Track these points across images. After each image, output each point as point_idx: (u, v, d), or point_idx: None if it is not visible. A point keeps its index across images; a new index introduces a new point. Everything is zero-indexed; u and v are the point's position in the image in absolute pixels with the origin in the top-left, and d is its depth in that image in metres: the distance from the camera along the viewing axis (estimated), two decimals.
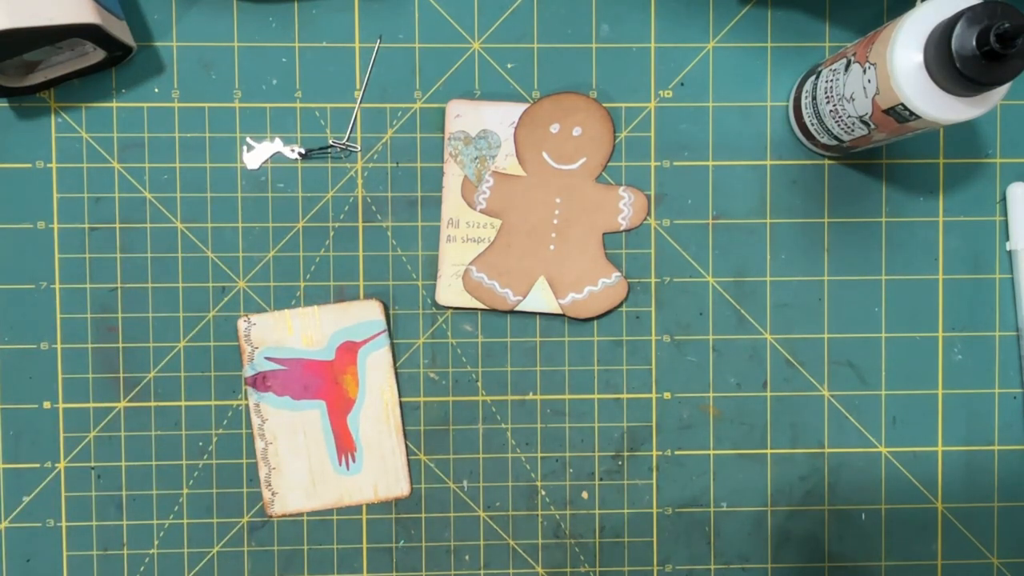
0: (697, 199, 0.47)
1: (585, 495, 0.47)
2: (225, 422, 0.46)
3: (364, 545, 0.46)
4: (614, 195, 0.46)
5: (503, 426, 0.47)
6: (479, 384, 0.47)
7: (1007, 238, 0.47)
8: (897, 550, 0.47)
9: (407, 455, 0.46)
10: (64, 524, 0.46)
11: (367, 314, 0.46)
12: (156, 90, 0.46)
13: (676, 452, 0.47)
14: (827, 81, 0.42)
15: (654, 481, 0.47)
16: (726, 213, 0.47)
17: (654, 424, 0.47)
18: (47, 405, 0.46)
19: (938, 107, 0.36)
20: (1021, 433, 0.47)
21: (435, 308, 0.46)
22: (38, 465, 0.46)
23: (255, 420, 0.45)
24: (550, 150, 0.46)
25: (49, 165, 0.45)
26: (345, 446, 0.46)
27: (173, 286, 0.46)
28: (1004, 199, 0.47)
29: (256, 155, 0.46)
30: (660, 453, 0.47)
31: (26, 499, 0.46)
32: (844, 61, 0.41)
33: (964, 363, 0.47)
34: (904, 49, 0.36)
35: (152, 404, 0.46)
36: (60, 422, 0.46)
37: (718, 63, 0.47)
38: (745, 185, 0.47)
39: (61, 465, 0.46)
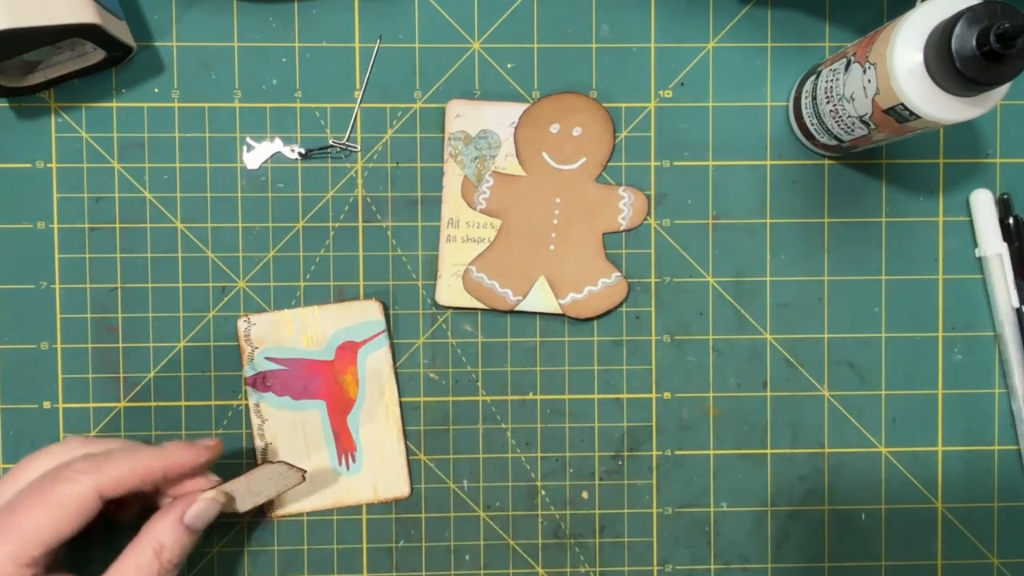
0: (697, 199, 0.47)
1: (585, 495, 0.47)
2: (225, 422, 0.46)
3: (364, 545, 0.46)
4: (614, 195, 0.46)
5: (503, 426, 0.47)
6: (479, 384, 0.47)
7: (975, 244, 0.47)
8: (897, 550, 0.47)
9: (407, 455, 0.46)
10: None
11: (367, 314, 0.46)
12: (156, 90, 0.46)
13: (676, 452, 0.47)
14: (827, 81, 0.42)
15: (654, 481, 0.47)
16: (726, 213, 0.47)
17: (654, 424, 0.47)
18: (47, 405, 0.46)
19: (938, 107, 0.36)
20: (1014, 433, 0.47)
21: (435, 308, 0.46)
22: None
23: (255, 420, 0.45)
24: (550, 150, 0.46)
25: (49, 165, 0.45)
26: (345, 446, 0.46)
27: (173, 286, 0.46)
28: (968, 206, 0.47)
29: (256, 155, 0.46)
30: (660, 453, 0.47)
31: None
32: (844, 61, 0.41)
33: (964, 363, 0.47)
34: (904, 49, 0.36)
35: (152, 404, 0.46)
36: (60, 422, 0.46)
37: (718, 63, 0.47)
38: (745, 185, 0.47)
39: None
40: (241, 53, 0.46)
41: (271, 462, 0.42)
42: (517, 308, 0.46)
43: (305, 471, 0.42)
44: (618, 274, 0.46)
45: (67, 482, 0.36)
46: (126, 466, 0.37)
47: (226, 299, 0.46)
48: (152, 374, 0.46)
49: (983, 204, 0.46)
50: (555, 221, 0.46)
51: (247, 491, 0.41)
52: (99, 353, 0.46)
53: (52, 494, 0.36)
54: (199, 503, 0.39)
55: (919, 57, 0.36)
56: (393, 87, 0.46)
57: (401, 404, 0.46)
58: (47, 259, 0.46)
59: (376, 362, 0.46)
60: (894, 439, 0.47)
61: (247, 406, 0.46)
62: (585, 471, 0.47)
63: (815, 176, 0.47)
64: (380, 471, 0.46)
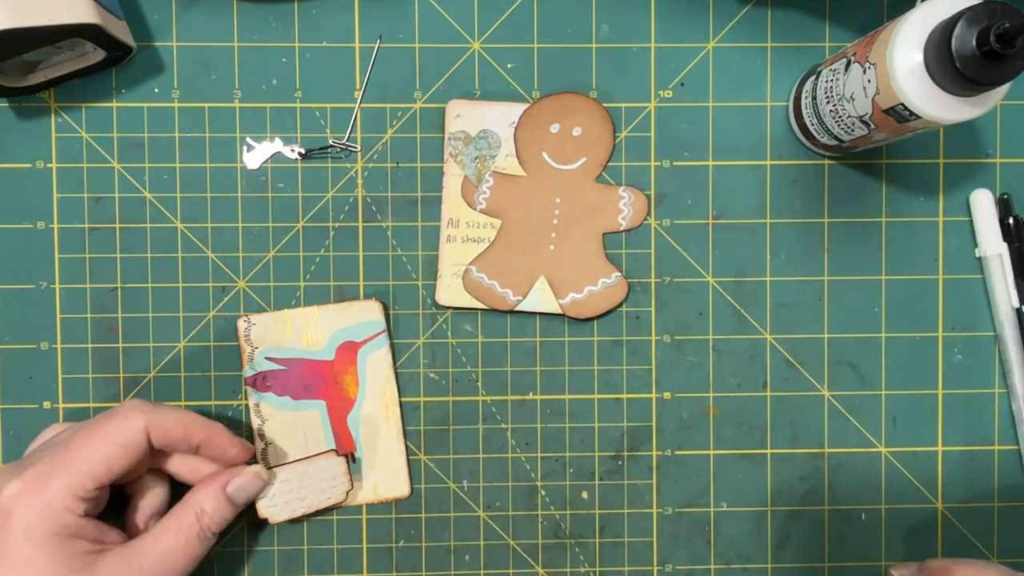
0: (697, 199, 0.47)
1: (585, 495, 0.47)
2: (225, 422, 0.46)
3: (364, 545, 0.46)
4: (614, 195, 0.46)
5: (503, 426, 0.47)
6: (479, 384, 0.47)
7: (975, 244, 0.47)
8: (897, 550, 0.47)
9: (407, 455, 0.46)
10: None
11: (367, 314, 0.46)
12: (156, 90, 0.46)
13: (676, 452, 0.47)
14: (827, 81, 0.42)
15: (654, 481, 0.47)
16: (726, 213, 0.47)
17: (654, 424, 0.47)
18: (47, 405, 0.46)
19: (938, 107, 0.36)
20: (1014, 433, 0.47)
21: (435, 308, 0.46)
22: None
23: (255, 420, 0.45)
24: (550, 150, 0.46)
25: (49, 165, 0.45)
26: (345, 446, 0.46)
27: (173, 286, 0.46)
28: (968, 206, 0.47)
29: (256, 155, 0.46)
30: (660, 453, 0.47)
31: None
32: (844, 61, 0.41)
33: (964, 363, 0.47)
34: (904, 49, 0.36)
35: None
36: (60, 422, 0.45)
37: (718, 63, 0.47)
38: (745, 185, 0.47)
39: None
40: (241, 53, 0.46)
41: (336, 453, 0.44)
42: (517, 308, 0.46)
43: (351, 488, 0.44)
44: (618, 274, 0.46)
45: (120, 417, 0.39)
46: (174, 417, 0.39)
47: (226, 299, 0.46)
48: (152, 374, 0.46)
49: (983, 204, 0.46)
50: (555, 221, 0.46)
51: (295, 484, 0.43)
52: (99, 353, 0.46)
53: (105, 428, 0.38)
54: (242, 476, 0.41)
55: (919, 57, 0.36)
56: (393, 87, 0.46)
57: (401, 404, 0.46)
58: (47, 259, 0.46)
59: (376, 362, 0.46)
60: (894, 439, 0.47)
61: (247, 406, 0.46)
62: (585, 471, 0.47)
63: (815, 176, 0.47)
64: (380, 471, 0.46)
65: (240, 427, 0.46)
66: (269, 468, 0.43)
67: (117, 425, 0.38)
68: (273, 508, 0.43)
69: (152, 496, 0.42)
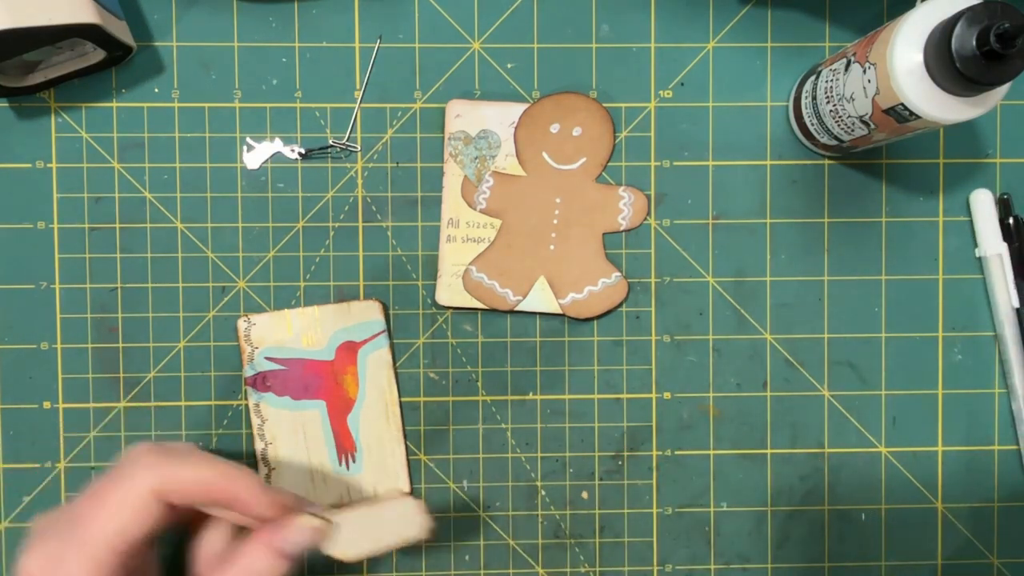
0: (697, 199, 0.47)
1: (585, 495, 0.47)
2: (225, 422, 0.46)
3: None
4: (614, 195, 0.46)
5: (503, 426, 0.47)
6: (479, 384, 0.47)
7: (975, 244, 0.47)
8: (897, 550, 0.47)
9: (407, 455, 0.46)
10: None
11: (367, 314, 0.46)
12: (156, 90, 0.46)
13: (676, 452, 0.47)
14: (827, 81, 0.42)
15: (654, 481, 0.47)
16: (726, 213, 0.47)
17: (654, 424, 0.47)
18: (47, 405, 0.46)
19: (938, 107, 0.36)
20: (1014, 433, 0.47)
21: (435, 308, 0.46)
22: (38, 465, 0.46)
23: (255, 420, 0.45)
24: (550, 150, 0.46)
25: (49, 165, 0.45)
26: (345, 446, 0.46)
27: (173, 286, 0.46)
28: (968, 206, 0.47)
29: (256, 155, 0.46)
30: (660, 453, 0.47)
31: (26, 499, 0.46)
32: (844, 61, 0.41)
33: (964, 363, 0.47)
34: (904, 49, 0.36)
35: (152, 404, 0.46)
36: (60, 422, 0.46)
37: (718, 63, 0.47)
38: (745, 185, 0.47)
39: (61, 465, 0.46)
40: (241, 53, 0.46)
41: (405, 495, 0.40)
42: (517, 308, 0.46)
43: (433, 527, 0.40)
44: (618, 274, 0.46)
45: (125, 481, 0.35)
46: (190, 474, 0.35)
47: (226, 299, 0.46)
48: (152, 374, 0.46)
49: (983, 204, 0.46)
50: (555, 221, 0.46)
51: (360, 527, 0.39)
52: (99, 353, 0.46)
53: (110, 498, 0.35)
54: (297, 532, 0.37)
55: (919, 57, 0.36)
56: (393, 87, 0.46)
57: (401, 404, 0.46)
58: (47, 259, 0.46)
59: (376, 362, 0.46)
60: (894, 439, 0.47)
61: (247, 406, 0.46)
62: (585, 471, 0.47)
63: (815, 176, 0.47)
64: (380, 471, 0.46)
65: (240, 427, 0.46)
66: (328, 519, 0.38)
67: (123, 493, 0.35)
68: (343, 551, 0.39)
69: (213, 534, 0.38)
